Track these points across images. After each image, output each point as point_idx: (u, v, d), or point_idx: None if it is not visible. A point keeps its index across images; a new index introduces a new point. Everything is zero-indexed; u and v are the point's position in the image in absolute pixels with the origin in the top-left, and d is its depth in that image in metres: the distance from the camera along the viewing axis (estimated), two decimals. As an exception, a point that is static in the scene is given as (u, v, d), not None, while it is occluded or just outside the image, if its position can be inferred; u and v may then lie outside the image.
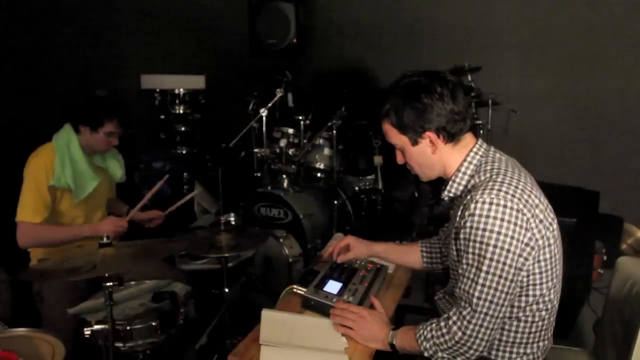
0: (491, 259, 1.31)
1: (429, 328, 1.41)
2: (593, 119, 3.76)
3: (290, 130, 3.39)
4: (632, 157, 3.66)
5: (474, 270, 1.34)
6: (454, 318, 1.36)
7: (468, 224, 1.34)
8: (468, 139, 1.49)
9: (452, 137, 1.45)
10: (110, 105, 2.14)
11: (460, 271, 1.39)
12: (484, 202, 1.32)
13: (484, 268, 1.32)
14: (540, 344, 1.48)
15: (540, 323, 1.46)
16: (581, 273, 2.83)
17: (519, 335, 1.46)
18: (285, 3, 4.18)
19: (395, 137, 1.49)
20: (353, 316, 1.48)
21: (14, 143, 2.38)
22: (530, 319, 1.45)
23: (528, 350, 1.47)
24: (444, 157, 1.48)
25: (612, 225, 3.48)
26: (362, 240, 1.85)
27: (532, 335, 1.46)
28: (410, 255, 1.84)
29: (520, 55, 3.92)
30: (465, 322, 1.34)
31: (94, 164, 2.27)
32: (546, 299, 1.44)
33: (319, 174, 3.39)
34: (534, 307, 1.44)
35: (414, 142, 1.47)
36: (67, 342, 1.58)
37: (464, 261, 1.37)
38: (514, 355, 1.47)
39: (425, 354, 1.41)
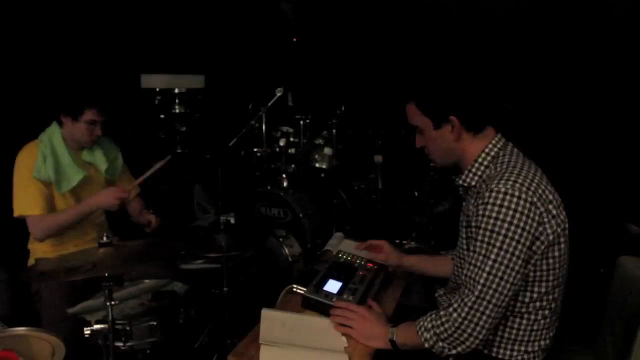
0: (500, 248, 1.32)
1: (428, 319, 1.41)
2: (593, 117, 3.76)
3: (290, 130, 3.39)
4: (632, 156, 3.66)
5: (481, 258, 1.34)
6: (455, 305, 1.36)
7: (480, 212, 1.35)
8: (488, 130, 1.50)
9: (474, 126, 1.46)
10: (89, 91, 2.10)
11: (467, 259, 1.39)
12: (498, 192, 1.33)
13: (492, 256, 1.32)
14: (542, 342, 1.48)
15: (542, 321, 1.46)
16: (581, 272, 2.83)
17: (521, 332, 1.46)
18: (285, 2, 4.18)
19: (418, 118, 1.50)
20: (353, 315, 1.48)
21: (11, 141, 2.38)
22: (533, 316, 1.45)
23: (529, 349, 1.47)
24: (463, 144, 1.49)
25: (612, 225, 3.47)
26: (395, 249, 1.83)
27: (534, 333, 1.46)
28: (442, 266, 1.81)
29: (521, 53, 3.92)
30: (466, 309, 1.33)
31: (81, 159, 2.26)
32: (550, 297, 1.44)
33: (318, 174, 3.39)
34: (537, 304, 1.44)
35: (437, 126, 1.48)
36: (67, 342, 1.58)
37: (472, 249, 1.37)
38: (514, 353, 1.47)
39: (426, 345, 1.40)
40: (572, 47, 3.72)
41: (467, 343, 1.35)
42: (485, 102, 1.45)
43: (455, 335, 1.35)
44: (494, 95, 1.48)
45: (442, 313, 1.38)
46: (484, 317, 1.33)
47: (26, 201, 2.09)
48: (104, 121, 2.18)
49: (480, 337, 1.34)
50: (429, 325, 1.39)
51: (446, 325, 1.36)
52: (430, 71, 1.48)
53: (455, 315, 1.35)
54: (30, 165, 2.11)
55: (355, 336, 1.47)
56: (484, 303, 1.32)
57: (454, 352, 1.39)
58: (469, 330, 1.34)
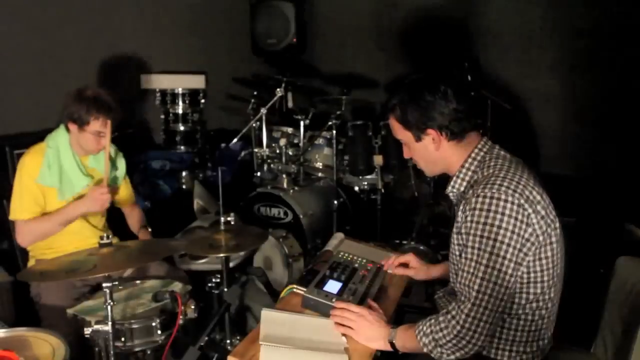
0: (491, 253, 1.32)
1: (428, 324, 1.41)
2: (593, 118, 3.76)
3: (290, 130, 3.40)
4: (632, 156, 3.66)
5: (474, 264, 1.35)
6: (453, 312, 1.36)
7: (469, 218, 1.36)
8: (473, 136, 1.51)
9: (454, 135, 1.47)
10: (97, 103, 2.10)
11: (460, 265, 1.39)
12: (484, 196, 1.34)
13: (484, 262, 1.33)
14: (540, 342, 1.48)
15: (540, 322, 1.46)
16: (581, 273, 2.83)
17: (518, 333, 1.46)
18: (285, 3, 4.18)
19: (400, 132, 1.54)
20: (353, 316, 1.48)
21: (13, 143, 2.39)
22: (530, 317, 1.45)
23: (527, 349, 1.47)
24: (447, 153, 1.50)
25: (612, 225, 3.47)
26: (423, 263, 1.84)
27: (531, 333, 1.46)
28: None
29: (521, 54, 3.92)
30: (464, 316, 1.34)
31: (86, 166, 2.25)
32: (546, 297, 1.44)
33: (318, 174, 3.39)
34: (534, 305, 1.44)
35: (418, 138, 1.50)
36: (67, 342, 1.58)
37: (464, 255, 1.37)
38: (513, 354, 1.47)
39: (425, 350, 1.41)
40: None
41: (466, 349, 1.36)
42: (462, 112, 1.45)
43: (454, 341, 1.35)
44: (472, 103, 1.49)
45: (441, 319, 1.38)
46: (482, 324, 1.33)
47: (20, 206, 2.09)
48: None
49: (479, 343, 1.34)
50: (428, 331, 1.39)
51: (445, 332, 1.36)
52: (406, 86, 1.50)
53: (453, 322, 1.35)
54: (31, 171, 2.10)
55: (355, 337, 1.47)
56: (481, 309, 1.33)
57: (452, 357, 1.39)
58: (467, 338, 1.34)
